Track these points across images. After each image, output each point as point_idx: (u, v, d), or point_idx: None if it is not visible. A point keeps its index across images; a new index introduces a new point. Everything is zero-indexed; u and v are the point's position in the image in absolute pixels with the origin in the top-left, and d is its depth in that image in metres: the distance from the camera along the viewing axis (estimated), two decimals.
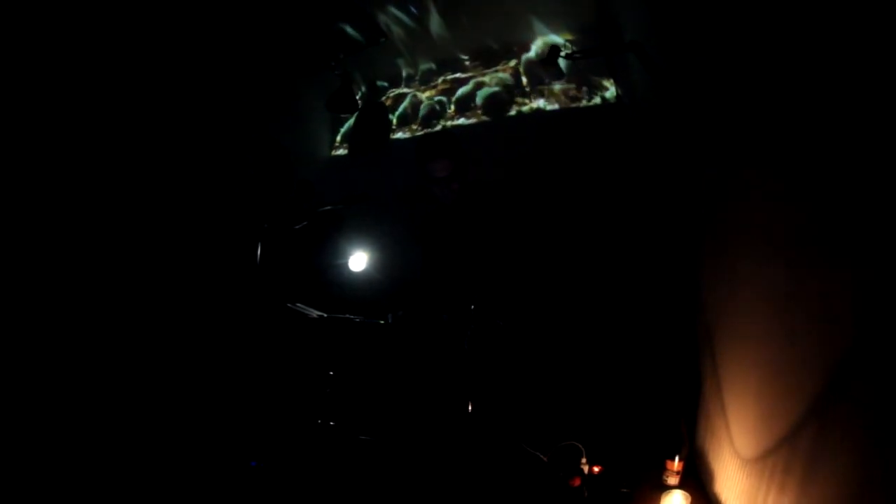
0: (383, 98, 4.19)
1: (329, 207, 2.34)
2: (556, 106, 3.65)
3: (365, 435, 2.24)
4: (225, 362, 2.61)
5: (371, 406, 2.40)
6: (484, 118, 3.75)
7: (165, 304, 2.67)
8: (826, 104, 1.12)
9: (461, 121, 3.80)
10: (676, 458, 1.85)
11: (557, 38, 3.61)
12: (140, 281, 2.61)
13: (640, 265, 2.68)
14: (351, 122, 4.25)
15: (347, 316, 2.23)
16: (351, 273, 2.59)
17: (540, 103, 3.70)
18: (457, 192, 2.34)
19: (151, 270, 2.66)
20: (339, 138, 4.29)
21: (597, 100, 3.61)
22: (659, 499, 1.73)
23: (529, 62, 3.73)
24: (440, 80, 4.00)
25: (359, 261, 2.61)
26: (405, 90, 4.13)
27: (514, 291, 2.33)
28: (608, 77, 3.51)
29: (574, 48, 3.34)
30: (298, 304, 2.35)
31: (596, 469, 1.87)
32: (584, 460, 1.87)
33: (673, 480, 1.86)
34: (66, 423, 2.23)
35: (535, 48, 3.70)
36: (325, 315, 2.22)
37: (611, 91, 3.53)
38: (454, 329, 2.15)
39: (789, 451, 1.39)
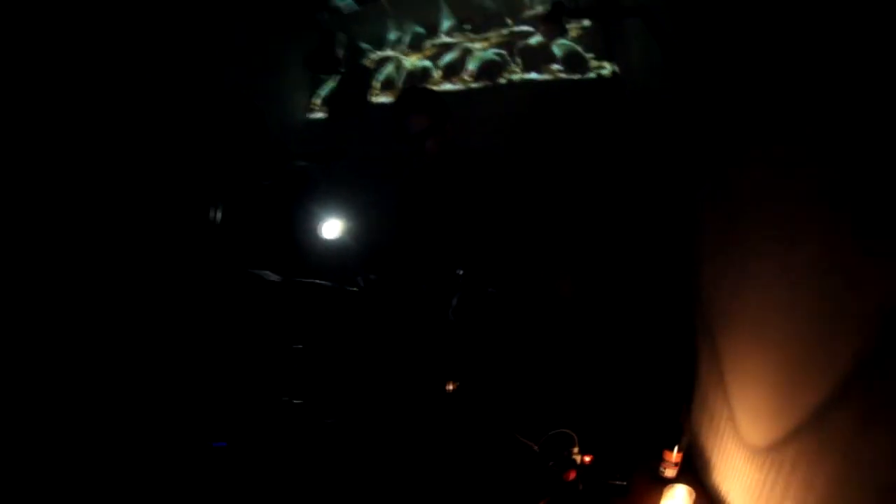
0: (365, 60, 3.96)
1: (303, 163, 2.12)
2: (548, 77, 3.49)
3: (333, 418, 2.03)
4: (180, 331, 2.36)
5: (341, 384, 2.20)
6: (472, 85, 3.56)
7: (111, 266, 2.39)
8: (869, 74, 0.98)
9: (447, 86, 3.61)
10: (676, 449, 1.71)
11: None
12: (83, 239, 2.33)
13: (636, 243, 2.53)
14: (331, 84, 4.01)
15: (314, 281, 2.01)
16: (324, 240, 2.39)
17: (532, 74, 3.54)
18: (435, 151, 2.17)
19: (96, 229, 2.38)
20: (317, 101, 4.04)
21: (591, 74, 3.45)
22: (659, 492, 1.58)
23: (526, 46, 3.55)
24: (428, 44, 3.79)
25: (332, 228, 2.42)
26: (389, 53, 3.91)
27: (506, 257, 2.14)
28: (605, 54, 3.38)
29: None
30: (264, 271, 2.14)
31: (587, 458, 1.71)
32: (576, 449, 1.70)
33: (671, 472, 1.72)
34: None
35: (535, 39, 3.52)
36: (283, 279, 2.01)
37: (606, 68, 3.40)
38: (436, 298, 1.95)
39: (809, 441, 1.26)
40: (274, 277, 2.00)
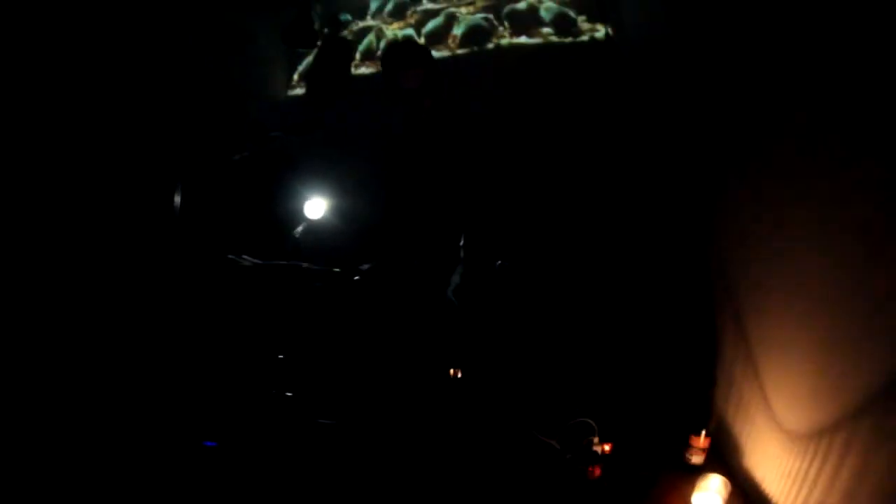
0: (345, 32, 3.73)
1: (276, 134, 1.93)
2: (538, 41, 3.30)
3: (324, 415, 1.86)
4: (159, 323, 2.17)
5: (332, 374, 2.02)
6: (458, 52, 3.36)
7: (77, 256, 2.18)
8: None
9: (432, 54, 3.41)
10: (703, 434, 1.57)
11: None
12: (43, 227, 2.12)
13: (650, 219, 2.34)
14: (310, 58, 3.78)
15: (294, 263, 1.83)
16: (308, 220, 2.22)
17: (522, 39, 3.35)
18: (431, 109, 1.98)
19: (57, 215, 2.17)
20: (296, 76, 3.82)
21: (584, 37, 3.27)
22: (686, 481, 1.45)
23: (513, 10, 3.36)
24: (411, 11, 3.58)
25: (316, 207, 2.25)
26: (371, 23, 3.69)
27: (516, 224, 1.94)
28: (598, 15, 3.19)
29: None
30: (243, 256, 1.95)
31: (607, 447, 1.56)
32: (596, 440, 1.55)
33: (698, 459, 1.59)
34: None
35: (523, 3, 3.34)
36: (261, 263, 1.82)
37: (600, 31, 3.22)
38: (433, 275, 1.76)
39: (858, 428, 1.13)
40: (250, 262, 1.82)
